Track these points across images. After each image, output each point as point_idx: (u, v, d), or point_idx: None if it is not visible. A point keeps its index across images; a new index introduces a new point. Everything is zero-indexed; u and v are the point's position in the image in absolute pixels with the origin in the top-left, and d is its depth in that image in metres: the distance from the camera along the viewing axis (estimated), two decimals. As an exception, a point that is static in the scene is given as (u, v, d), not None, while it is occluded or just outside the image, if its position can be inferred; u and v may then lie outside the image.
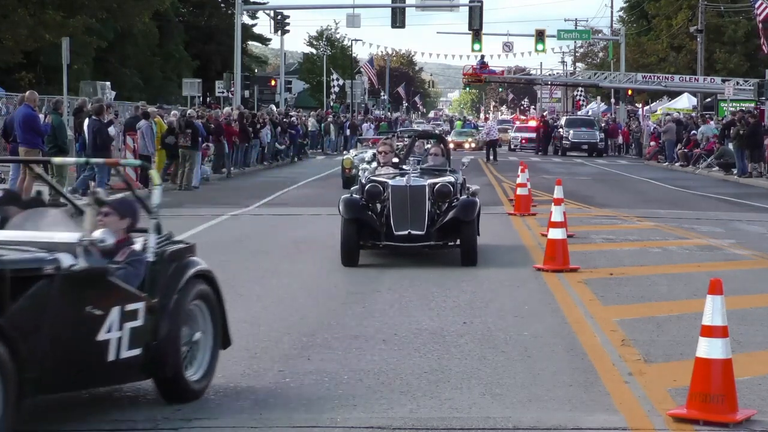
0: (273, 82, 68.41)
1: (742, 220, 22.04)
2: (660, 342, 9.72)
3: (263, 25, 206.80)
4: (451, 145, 34.59)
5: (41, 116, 23.36)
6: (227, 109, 41.97)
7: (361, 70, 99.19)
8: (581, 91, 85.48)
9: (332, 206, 18.27)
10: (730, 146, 38.14)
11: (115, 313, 6.92)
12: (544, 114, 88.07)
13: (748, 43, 63.46)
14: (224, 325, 7.91)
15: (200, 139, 30.22)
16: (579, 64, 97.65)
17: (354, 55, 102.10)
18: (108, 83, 40.62)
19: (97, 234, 6.98)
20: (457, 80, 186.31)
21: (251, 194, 27.15)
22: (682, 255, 16.13)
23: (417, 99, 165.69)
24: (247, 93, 55.97)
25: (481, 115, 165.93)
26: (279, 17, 57.63)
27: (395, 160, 16.11)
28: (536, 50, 68.23)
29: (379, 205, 14.89)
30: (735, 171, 36.77)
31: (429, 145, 17.86)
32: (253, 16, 77.38)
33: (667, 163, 46.64)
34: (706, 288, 7.14)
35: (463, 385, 8.17)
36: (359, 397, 7.80)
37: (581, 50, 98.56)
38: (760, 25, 49.60)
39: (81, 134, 25.17)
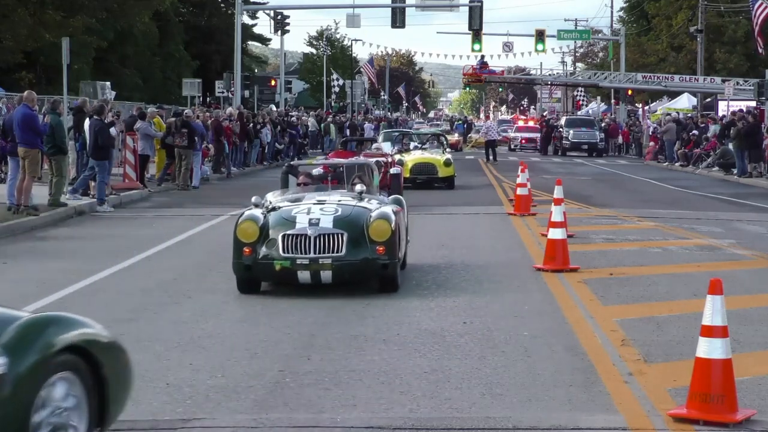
0: (273, 82, 68.37)
1: (742, 220, 22.03)
2: (660, 342, 9.72)
3: (263, 25, 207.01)
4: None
5: (40, 116, 23.35)
6: (229, 109, 41.93)
7: (361, 70, 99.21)
8: (581, 91, 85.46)
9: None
10: (730, 146, 38.14)
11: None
12: (545, 114, 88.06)
13: (748, 43, 63.38)
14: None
15: (199, 138, 30.21)
16: (579, 64, 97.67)
17: (354, 55, 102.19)
18: (108, 83, 40.47)
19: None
20: (457, 80, 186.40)
21: (251, 194, 26.99)
22: (682, 255, 16.12)
23: (417, 99, 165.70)
24: (247, 93, 55.93)
25: (481, 115, 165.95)
26: (279, 17, 57.61)
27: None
28: (536, 50, 68.28)
29: None
30: (735, 171, 36.76)
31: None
32: (253, 16, 77.42)
33: (667, 163, 46.63)
34: (706, 288, 7.14)
35: (463, 385, 8.17)
36: (359, 397, 7.80)
37: (581, 50, 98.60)
38: (757, 28, 49.57)
39: (81, 134, 25.15)
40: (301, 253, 11.77)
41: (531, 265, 14.57)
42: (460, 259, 15.37)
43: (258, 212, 12.28)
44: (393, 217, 12.17)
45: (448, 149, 33.66)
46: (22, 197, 20.22)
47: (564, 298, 12.05)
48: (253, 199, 12.68)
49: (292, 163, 15.66)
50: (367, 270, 11.92)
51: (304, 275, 11.76)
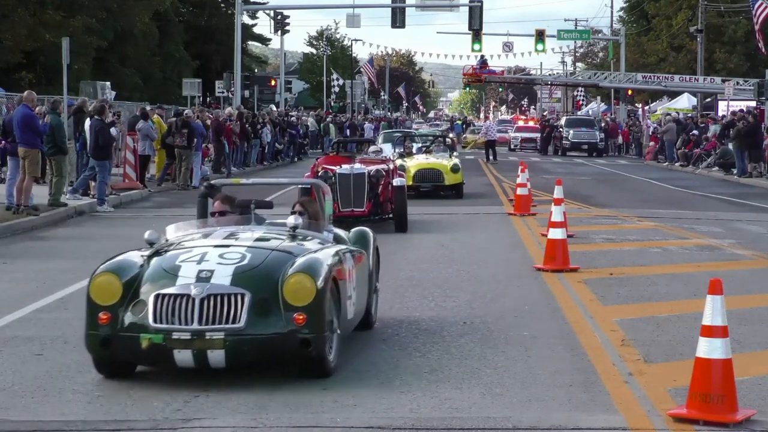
0: (273, 82, 68.46)
1: (742, 220, 22.04)
2: (660, 342, 9.72)
3: (263, 25, 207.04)
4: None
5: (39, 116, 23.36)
6: (228, 109, 41.98)
7: (361, 70, 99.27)
8: (581, 91, 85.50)
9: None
10: (730, 146, 38.16)
11: None
12: (545, 114, 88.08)
13: (748, 43, 63.45)
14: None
15: (199, 138, 30.23)
16: (579, 64, 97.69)
17: (354, 55, 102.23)
18: (108, 83, 40.54)
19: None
20: (457, 80, 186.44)
21: (251, 194, 27.09)
22: (682, 255, 16.12)
23: (417, 99, 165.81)
24: (247, 93, 56.00)
25: (481, 115, 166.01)
26: (279, 17, 57.65)
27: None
28: (536, 50, 68.33)
29: None
30: (735, 171, 36.77)
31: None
32: (253, 16, 77.48)
33: (667, 163, 46.64)
34: (706, 288, 7.14)
35: (463, 385, 8.17)
36: (359, 397, 7.80)
37: (581, 50, 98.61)
38: (758, 26, 49.66)
39: (81, 134, 25.17)
40: (180, 324, 8.01)
41: (531, 265, 14.57)
42: (460, 258, 15.38)
43: (134, 257, 8.62)
44: (324, 268, 8.37)
45: (455, 153, 30.22)
46: (22, 197, 20.22)
47: (564, 298, 12.05)
48: (147, 234, 8.90)
49: (212, 181, 11.16)
50: (280, 348, 8.09)
51: (183, 356, 7.99)
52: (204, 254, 8.51)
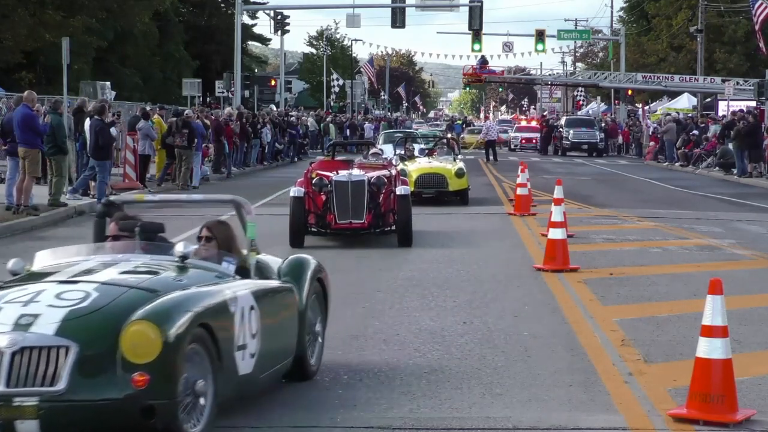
0: (273, 82, 68.49)
1: (742, 220, 22.04)
2: (660, 342, 9.72)
3: (263, 25, 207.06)
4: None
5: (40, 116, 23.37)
6: (227, 109, 42.01)
7: (361, 70, 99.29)
8: (581, 91, 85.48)
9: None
10: (730, 146, 38.16)
11: None
12: (545, 114, 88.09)
13: (748, 43, 63.43)
14: None
15: (199, 138, 30.24)
16: (579, 64, 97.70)
17: (354, 55, 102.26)
18: (108, 83, 40.54)
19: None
20: (457, 80, 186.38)
21: (251, 194, 26.92)
22: (682, 255, 16.12)
23: (417, 99, 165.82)
24: (247, 93, 56.02)
25: (481, 115, 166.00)
26: (279, 17, 57.68)
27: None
28: (536, 50, 68.35)
29: None
30: (735, 171, 36.77)
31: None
32: (253, 16, 77.48)
33: (667, 163, 46.64)
34: (706, 288, 7.14)
35: (463, 385, 8.17)
36: (359, 397, 7.80)
37: (581, 50, 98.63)
38: (758, 26, 49.69)
39: (81, 134, 25.18)
40: None
41: (531, 265, 14.57)
42: (460, 259, 15.37)
43: None
44: (184, 313, 6.47)
45: (459, 156, 28.06)
46: (22, 197, 20.23)
47: (564, 298, 12.05)
48: (10, 264, 7.38)
49: (111, 198, 8.95)
50: (114, 417, 6.19)
51: None
52: (37, 293, 6.59)
